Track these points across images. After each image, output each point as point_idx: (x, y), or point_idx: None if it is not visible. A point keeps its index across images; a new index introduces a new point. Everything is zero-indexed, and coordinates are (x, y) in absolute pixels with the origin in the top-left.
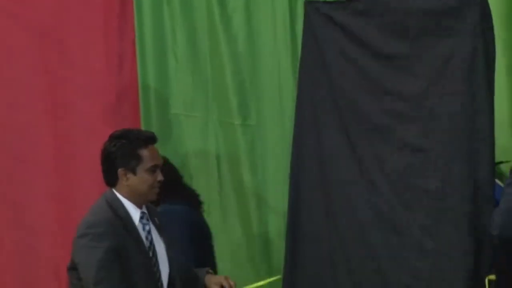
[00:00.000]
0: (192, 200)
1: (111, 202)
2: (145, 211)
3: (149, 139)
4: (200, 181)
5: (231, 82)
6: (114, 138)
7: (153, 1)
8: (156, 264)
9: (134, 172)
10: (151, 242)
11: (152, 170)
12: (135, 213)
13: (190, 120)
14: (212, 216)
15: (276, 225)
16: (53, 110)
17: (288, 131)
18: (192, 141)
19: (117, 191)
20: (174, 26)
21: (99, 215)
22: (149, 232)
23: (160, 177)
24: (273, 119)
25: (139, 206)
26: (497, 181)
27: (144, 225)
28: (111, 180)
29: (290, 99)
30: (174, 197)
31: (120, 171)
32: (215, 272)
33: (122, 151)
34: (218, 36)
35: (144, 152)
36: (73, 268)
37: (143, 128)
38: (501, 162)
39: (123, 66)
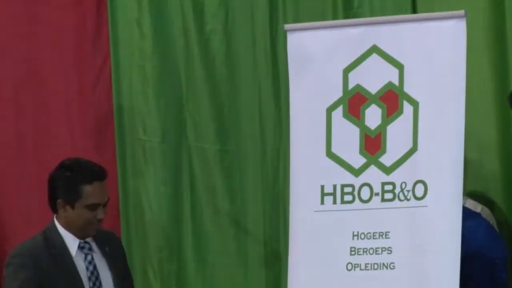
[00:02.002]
0: None
1: (48, 231)
2: (89, 241)
3: (94, 175)
4: (175, 210)
5: (208, 107)
6: (61, 167)
7: (127, 22)
8: None
9: (72, 206)
10: (93, 273)
11: (91, 207)
12: (72, 244)
13: (164, 146)
14: (186, 246)
15: (256, 255)
16: (27, 137)
17: (268, 156)
18: (167, 167)
19: (57, 219)
20: (148, 48)
21: (26, 245)
22: (90, 262)
23: (100, 215)
24: (253, 145)
25: (79, 237)
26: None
27: (85, 255)
28: (52, 207)
29: (271, 124)
30: None
31: (59, 201)
32: None
33: (64, 183)
34: (194, 58)
35: (86, 188)
36: None
37: (117, 154)
38: None
39: (97, 91)
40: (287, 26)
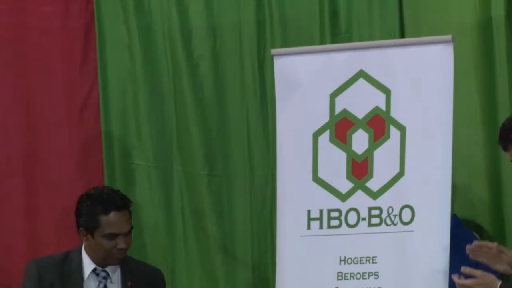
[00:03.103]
0: None
1: (73, 251)
2: (108, 270)
3: (112, 206)
4: (164, 235)
5: (196, 131)
6: (84, 196)
7: (115, 47)
8: None
9: (92, 235)
10: None
11: (110, 237)
12: (88, 268)
13: (153, 171)
14: (177, 271)
15: (245, 280)
16: (16, 161)
17: (257, 181)
18: (156, 192)
19: (84, 243)
20: (137, 73)
21: (44, 259)
22: None
23: (121, 245)
24: (241, 169)
25: (101, 265)
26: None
27: (99, 282)
28: (79, 233)
29: (259, 149)
30: None
31: (81, 229)
32: None
33: (84, 212)
34: (183, 83)
35: (104, 218)
36: None
37: (106, 179)
38: None
39: (85, 115)
40: (273, 51)
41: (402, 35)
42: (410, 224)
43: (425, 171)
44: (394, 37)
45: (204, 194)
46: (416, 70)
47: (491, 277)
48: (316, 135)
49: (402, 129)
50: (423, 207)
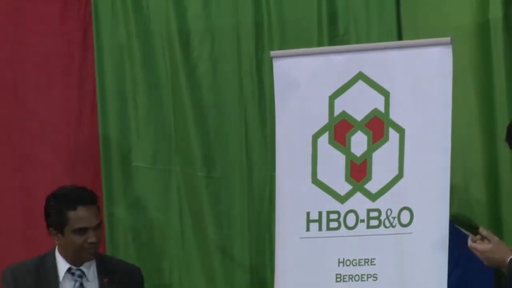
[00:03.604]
0: None
1: (48, 254)
2: (83, 268)
3: (78, 201)
4: (162, 236)
5: (194, 133)
6: (50, 196)
7: (113, 49)
8: None
9: (62, 232)
10: None
11: (80, 232)
12: (63, 268)
13: (152, 172)
14: (174, 273)
15: (243, 282)
16: (11, 163)
17: (255, 183)
18: (154, 194)
19: (56, 245)
20: (135, 75)
21: (19, 264)
22: None
23: (91, 238)
24: (239, 171)
25: (76, 263)
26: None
27: (75, 281)
28: (49, 234)
29: (257, 151)
30: None
31: (50, 230)
32: None
33: (52, 211)
34: (181, 84)
35: (72, 214)
36: None
37: (103, 180)
38: None
39: (83, 117)
40: (272, 53)
41: (400, 37)
42: (409, 226)
43: (424, 173)
44: (392, 39)
45: (202, 195)
46: (415, 72)
47: (505, 248)
48: (315, 137)
49: (401, 131)
50: (422, 209)
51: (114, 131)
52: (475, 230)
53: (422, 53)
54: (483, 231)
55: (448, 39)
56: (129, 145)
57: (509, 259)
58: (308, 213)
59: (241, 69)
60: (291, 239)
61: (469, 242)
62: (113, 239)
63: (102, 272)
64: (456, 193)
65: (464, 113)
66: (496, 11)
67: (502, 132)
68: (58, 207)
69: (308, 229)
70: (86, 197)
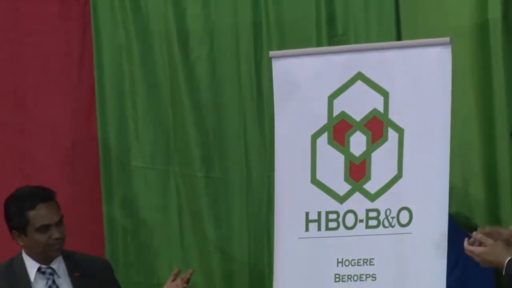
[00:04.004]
0: None
1: (15, 258)
2: (53, 265)
3: (36, 199)
4: (161, 236)
5: (193, 133)
6: (8, 199)
7: (112, 49)
8: None
9: (25, 233)
10: None
11: (43, 229)
12: (32, 269)
13: (151, 172)
14: None
15: (242, 281)
16: (11, 163)
17: (254, 183)
18: (153, 194)
19: (22, 248)
20: (134, 74)
21: None
22: (50, 287)
23: (55, 234)
24: (238, 171)
25: (44, 262)
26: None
27: (47, 279)
28: (13, 237)
29: (256, 151)
30: None
31: (13, 232)
32: None
33: (12, 213)
34: (180, 85)
35: (32, 213)
36: None
37: (102, 180)
38: None
39: (82, 117)
40: (272, 53)
41: (399, 37)
42: (408, 226)
43: (423, 173)
44: (391, 39)
45: (201, 195)
46: (414, 72)
47: (501, 249)
48: (314, 137)
49: (400, 131)
50: (421, 209)
51: (113, 131)
52: (474, 230)
53: (421, 53)
54: (476, 235)
55: (447, 39)
56: (128, 145)
57: (506, 261)
58: (307, 213)
59: (240, 69)
60: (290, 239)
61: (466, 245)
62: (112, 239)
63: (71, 268)
64: (455, 193)
65: (463, 113)
66: (495, 11)
67: (501, 132)
68: (18, 208)
69: (307, 229)
70: (44, 194)
